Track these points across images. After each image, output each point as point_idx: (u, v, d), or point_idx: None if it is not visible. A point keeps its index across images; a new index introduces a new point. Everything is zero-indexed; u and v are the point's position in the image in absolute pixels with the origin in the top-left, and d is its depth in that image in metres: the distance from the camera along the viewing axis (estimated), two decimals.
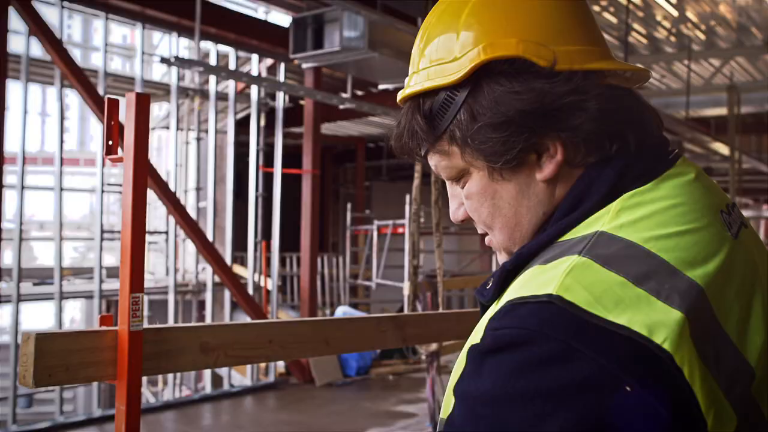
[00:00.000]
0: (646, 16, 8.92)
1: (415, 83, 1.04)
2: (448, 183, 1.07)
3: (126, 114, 1.60)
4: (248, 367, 8.89)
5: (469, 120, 0.98)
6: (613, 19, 9.68)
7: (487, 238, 1.09)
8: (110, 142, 1.63)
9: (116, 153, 1.63)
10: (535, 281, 0.88)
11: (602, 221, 0.93)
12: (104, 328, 1.60)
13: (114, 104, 1.63)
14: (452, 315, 2.76)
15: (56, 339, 1.48)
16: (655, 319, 0.82)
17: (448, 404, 0.93)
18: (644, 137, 1.01)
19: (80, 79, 6.98)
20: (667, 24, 9.18)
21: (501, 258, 1.06)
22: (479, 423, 0.83)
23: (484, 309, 1.00)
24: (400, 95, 1.07)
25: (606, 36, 10.14)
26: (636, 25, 9.06)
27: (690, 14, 8.78)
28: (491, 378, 0.83)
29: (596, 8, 9.44)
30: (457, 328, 2.58)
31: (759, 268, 0.97)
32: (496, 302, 0.95)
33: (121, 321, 1.58)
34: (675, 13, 8.74)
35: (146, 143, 1.60)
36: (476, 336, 0.92)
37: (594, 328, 0.81)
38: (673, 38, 9.62)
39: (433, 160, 1.05)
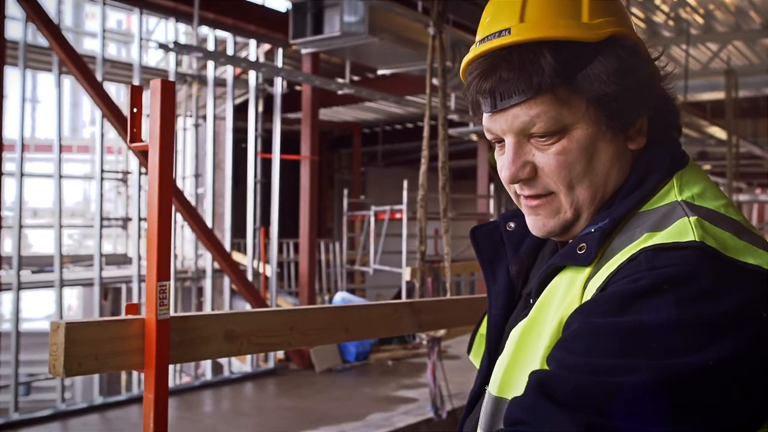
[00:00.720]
0: (644, 0, 8.91)
1: (537, 30, 1.06)
2: (515, 142, 1.09)
3: (151, 102, 1.59)
4: None
5: (605, 77, 1.05)
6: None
7: (538, 202, 1.11)
8: (134, 130, 1.62)
9: (140, 140, 1.62)
10: (663, 235, 0.97)
11: (672, 194, 1.05)
12: (131, 316, 1.59)
13: (138, 91, 1.61)
14: (465, 300, 2.77)
15: (85, 328, 1.48)
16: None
17: (533, 346, 1.01)
18: (677, 125, 1.17)
19: (78, 65, 6.93)
20: (665, 8, 9.17)
21: (553, 221, 1.11)
22: (637, 353, 0.87)
23: (554, 272, 1.06)
24: (515, 35, 1.07)
25: None
26: (634, 9, 9.04)
27: None
28: (656, 310, 0.89)
29: None
30: (470, 313, 2.58)
31: None
32: (592, 265, 1.02)
33: (148, 309, 1.58)
34: None
35: (172, 130, 1.60)
36: (547, 310, 1.02)
37: (735, 267, 0.93)
38: (671, 22, 9.60)
39: (533, 111, 1.06)
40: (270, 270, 9.45)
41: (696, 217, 0.98)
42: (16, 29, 7.01)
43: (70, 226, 13.94)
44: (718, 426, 0.85)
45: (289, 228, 10.59)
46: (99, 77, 7.40)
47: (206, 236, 8.12)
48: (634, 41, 1.10)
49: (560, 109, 1.05)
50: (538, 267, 1.21)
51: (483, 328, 1.33)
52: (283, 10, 8.75)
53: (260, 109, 9.33)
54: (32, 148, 18.24)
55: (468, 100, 1.16)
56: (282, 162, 9.36)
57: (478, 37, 1.13)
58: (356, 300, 10.72)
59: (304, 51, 7.95)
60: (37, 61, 8.21)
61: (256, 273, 9.41)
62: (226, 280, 8.92)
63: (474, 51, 1.10)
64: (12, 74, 7.40)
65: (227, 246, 8.84)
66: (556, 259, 1.07)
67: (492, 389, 1.06)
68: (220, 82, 9.32)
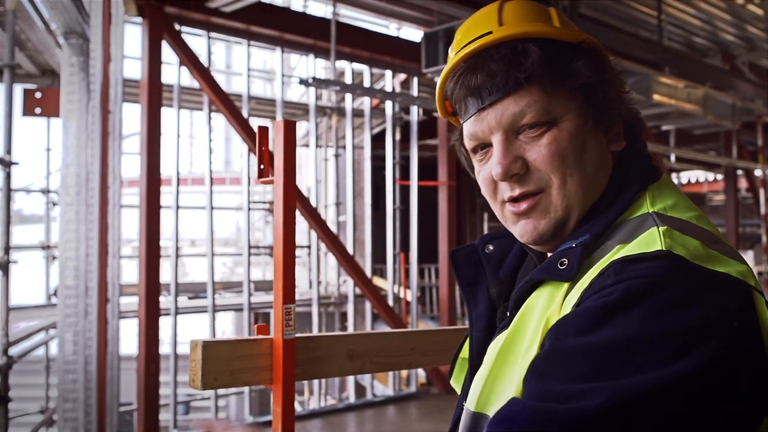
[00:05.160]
0: None
1: (519, 28, 1.11)
2: (504, 138, 1.09)
3: (275, 139, 1.74)
4: (390, 377, 9.06)
5: (588, 71, 1.09)
6: (759, 11, 9.26)
7: (528, 202, 1.10)
8: (262, 166, 1.77)
9: (268, 176, 1.77)
10: (631, 247, 0.97)
11: (645, 206, 1.06)
12: (261, 336, 1.74)
13: (264, 131, 1.77)
14: None
15: (220, 346, 1.63)
16: (738, 269, 0.95)
17: (502, 367, 1.00)
18: (644, 139, 1.19)
19: (226, 104, 7.41)
20: None
21: (543, 223, 1.10)
22: (602, 373, 0.86)
23: (533, 287, 1.04)
24: (504, 31, 1.11)
25: (751, 28, 9.62)
26: None
27: None
28: (622, 326, 0.88)
29: (740, 0, 9.05)
30: None
31: None
32: (571, 280, 1.00)
33: (276, 330, 1.72)
34: None
35: (294, 166, 1.74)
36: (526, 324, 1.01)
37: (704, 275, 0.92)
38: None
39: (522, 101, 1.08)
40: (410, 294, 9.60)
41: (665, 227, 0.98)
42: (170, 73, 7.57)
43: (222, 254, 14.71)
44: None
45: (431, 253, 10.71)
46: (245, 114, 7.87)
47: (348, 262, 8.38)
48: (602, 52, 1.14)
49: (549, 99, 1.07)
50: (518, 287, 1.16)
51: (464, 352, 1.30)
52: (416, 40, 8.95)
53: (397, 137, 9.56)
54: (189, 181, 19.43)
55: (450, 108, 1.19)
56: (421, 188, 9.53)
57: (455, 50, 1.15)
58: None
59: (437, 79, 8.08)
60: (190, 102, 8.80)
61: (396, 298, 9.58)
62: (368, 305, 9.14)
63: (457, 55, 1.12)
64: (168, 114, 7.99)
65: (368, 271, 9.06)
66: (535, 274, 1.05)
67: (470, 405, 1.04)
68: (358, 113, 9.63)
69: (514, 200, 1.11)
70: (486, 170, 1.13)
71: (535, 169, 1.08)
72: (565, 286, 1.00)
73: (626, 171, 1.12)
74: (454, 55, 1.14)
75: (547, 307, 1.01)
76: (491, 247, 1.29)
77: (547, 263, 1.05)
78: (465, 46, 1.12)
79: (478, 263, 1.28)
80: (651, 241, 0.96)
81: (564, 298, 0.99)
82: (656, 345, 0.86)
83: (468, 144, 1.16)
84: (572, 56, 1.10)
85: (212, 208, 7.89)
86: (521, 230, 1.12)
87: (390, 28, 9.60)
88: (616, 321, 0.88)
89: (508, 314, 1.09)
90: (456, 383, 1.32)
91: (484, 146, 1.13)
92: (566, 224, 1.09)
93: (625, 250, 0.97)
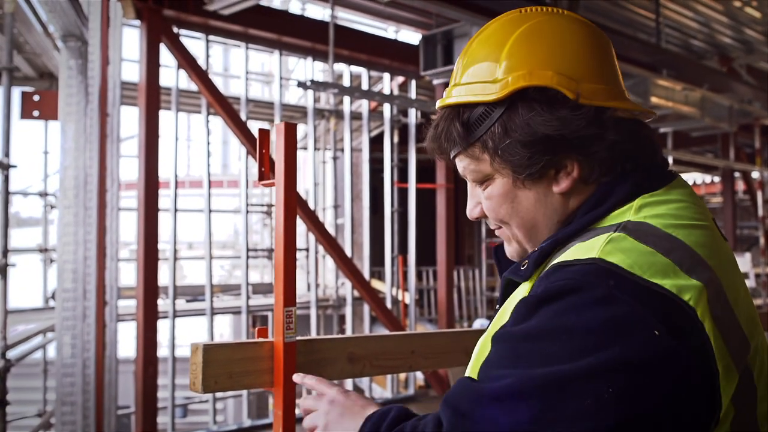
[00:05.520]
0: None
1: (457, 95, 1.20)
2: (470, 184, 1.26)
3: (275, 143, 1.74)
4: (388, 380, 9.05)
5: (501, 134, 1.14)
6: (757, 14, 9.28)
7: (499, 231, 1.26)
8: (262, 169, 1.77)
9: (268, 179, 1.77)
10: (578, 252, 1.04)
11: (627, 215, 1.10)
12: (261, 339, 1.73)
13: (265, 134, 1.77)
14: None
15: (221, 349, 1.63)
16: (681, 284, 0.97)
17: (481, 354, 1.11)
18: (652, 159, 1.19)
19: (224, 107, 7.40)
20: None
21: (511, 248, 1.25)
22: (518, 359, 0.96)
23: (511, 287, 1.18)
24: (440, 103, 1.23)
25: (749, 31, 9.68)
26: None
27: None
28: (539, 319, 0.97)
29: (737, 3, 9.07)
30: None
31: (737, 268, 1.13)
32: (530, 279, 1.12)
33: (276, 333, 1.71)
34: None
35: (294, 168, 1.74)
36: (504, 315, 1.11)
37: (631, 282, 0.96)
38: None
39: (463, 163, 1.22)
40: (409, 297, 9.60)
41: (614, 233, 1.03)
42: (169, 76, 7.56)
43: (220, 257, 14.69)
44: None
45: (429, 256, 10.71)
46: (243, 116, 7.86)
47: (346, 265, 8.37)
48: (551, 92, 1.12)
49: (477, 163, 1.19)
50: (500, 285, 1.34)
51: None
52: (414, 43, 8.96)
53: (395, 140, 9.56)
54: (187, 184, 19.39)
55: None
56: (419, 190, 9.53)
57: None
58: None
59: (435, 81, 8.10)
60: (188, 104, 8.80)
61: (395, 300, 9.57)
62: (366, 308, 9.13)
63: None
64: (165, 117, 7.97)
65: (366, 274, 9.06)
66: (507, 274, 1.18)
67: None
68: (356, 116, 9.63)
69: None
70: None
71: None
72: (528, 285, 1.12)
73: (606, 189, 1.15)
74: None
75: (512, 303, 1.12)
76: None
77: (515, 265, 1.18)
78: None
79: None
80: (591, 248, 1.03)
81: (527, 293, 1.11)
82: (562, 340, 0.93)
83: None
84: (495, 117, 1.15)
85: (210, 210, 7.88)
86: (507, 251, 1.28)
87: (388, 31, 9.62)
88: (537, 314, 0.98)
89: (497, 307, 1.22)
90: None
91: None
92: (533, 246, 1.20)
93: (566, 254, 1.06)
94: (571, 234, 1.12)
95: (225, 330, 14.80)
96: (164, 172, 7.14)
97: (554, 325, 0.95)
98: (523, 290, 1.13)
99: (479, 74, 1.18)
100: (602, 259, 0.99)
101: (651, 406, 0.90)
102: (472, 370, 1.14)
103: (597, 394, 0.88)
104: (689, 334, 0.95)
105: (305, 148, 9.38)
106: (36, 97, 5.85)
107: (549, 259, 1.12)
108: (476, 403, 0.96)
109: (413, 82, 9.33)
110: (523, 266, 1.14)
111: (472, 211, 1.27)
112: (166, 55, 7.11)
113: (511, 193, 1.18)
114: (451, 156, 1.23)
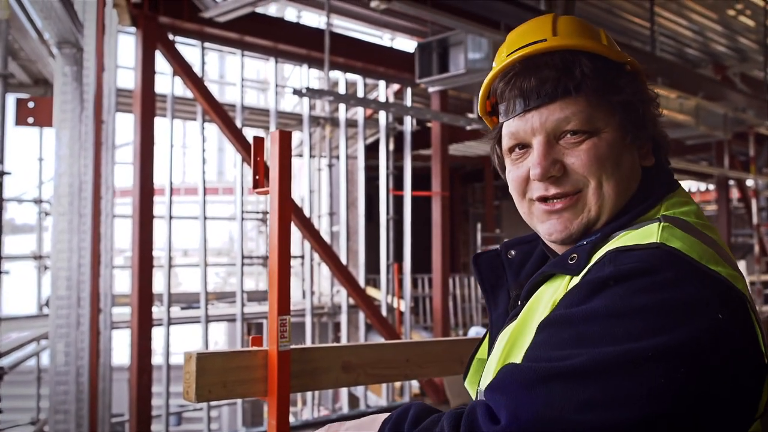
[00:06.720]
0: None
1: (572, 40, 1.18)
2: (546, 141, 1.16)
3: (270, 150, 1.73)
4: (383, 387, 9.03)
5: (630, 90, 1.17)
6: (751, 22, 9.31)
7: (561, 202, 1.17)
8: (257, 177, 1.77)
9: (263, 186, 1.76)
10: (634, 238, 1.05)
11: (658, 213, 1.13)
12: (255, 348, 1.72)
13: (260, 142, 1.76)
14: None
15: (214, 358, 1.62)
16: (730, 273, 1.00)
17: (516, 344, 1.09)
18: (667, 157, 1.27)
19: (220, 114, 7.40)
20: None
21: (562, 222, 1.17)
22: (582, 339, 0.94)
23: (544, 280, 1.14)
24: (560, 42, 1.18)
25: (743, 39, 9.75)
26: None
27: None
28: (605, 299, 0.96)
29: (731, 12, 9.11)
30: None
31: None
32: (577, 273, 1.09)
33: (270, 341, 1.71)
34: None
35: (289, 176, 1.73)
36: (538, 308, 1.10)
37: (695, 267, 0.98)
38: None
39: (572, 107, 1.14)
40: (404, 305, 9.59)
41: (666, 223, 1.05)
42: (164, 83, 7.56)
43: (214, 264, 14.67)
44: (653, 417, 0.88)
45: (424, 263, 10.70)
46: (239, 124, 7.86)
47: (341, 272, 8.36)
48: (643, 76, 1.21)
49: (593, 111, 1.14)
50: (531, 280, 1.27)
51: (481, 353, 1.36)
52: (410, 50, 8.97)
53: (391, 147, 9.56)
54: (182, 191, 19.37)
55: (489, 107, 1.25)
56: (415, 198, 9.53)
57: (506, 51, 1.22)
58: None
59: (431, 89, 8.11)
60: (183, 111, 8.79)
61: (390, 308, 9.56)
62: (362, 315, 9.12)
63: (510, 57, 1.19)
64: (162, 124, 7.98)
65: (362, 282, 9.05)
66: (547, 268, 1.15)
67: (483, 388, 1.11)
68: (351, 123, 9.63)
69: (546, 199, 1.18)
70: (521, 169, 1.20)
71: (573, 172, 1.15)
72: (572, 277, 1.10)
73: (651, 185, 1.19)
74: (506, 56, 1.21)
75: (552, 295, 1.10)
76: (513, 253, 1.36)
77: (559, 259, 1.14)
78: (519, 48, 1.19)
79: (500, 267, 1.36)
80: (648, 234, 1.04)
81: (568, 286, 1.09)
82: (634, 320, 0.93)
83: (506, 143, 1.22)
84: (617, 74, 1.17)
85: (205, 218, 7.87)
86: (550, 228, 1.19)
87: (384, 38, 9.62)
88: (602, 295, 0.96)
89: (519, 303, 1.18)
90: (470, 385, 1.37)
91: (522, 146, 1.20)
92: (594, 226, 1.16)
93: (622, 240, 1.06)
94: (617, 228, 1.13)
95: (220, 338, 14.76)
96: (159, 179, 7.12)
97: (625, 304, 0.94)
98: (557, 284, 1.11)
99: (585, 34, 1.21)
100: (665, 244, 1.00)
101: (717, 387, 0.91)
102: (500, 362, 1.10)
103: (669, 372, 0.89)
104: (743, 321, 0.97)
105: (301, 156, 9.37)
106: (31, 104, 5.83)
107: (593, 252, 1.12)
108: (541, 382, 0.92)
109: (409, 90, 9.34)
110: (572, 260, 1.11)
111: (549, 168, 1.14)
112: (161, 62, 7.12)
113: (618, 150, 1.16)
114: (550, 99, 1.14)
